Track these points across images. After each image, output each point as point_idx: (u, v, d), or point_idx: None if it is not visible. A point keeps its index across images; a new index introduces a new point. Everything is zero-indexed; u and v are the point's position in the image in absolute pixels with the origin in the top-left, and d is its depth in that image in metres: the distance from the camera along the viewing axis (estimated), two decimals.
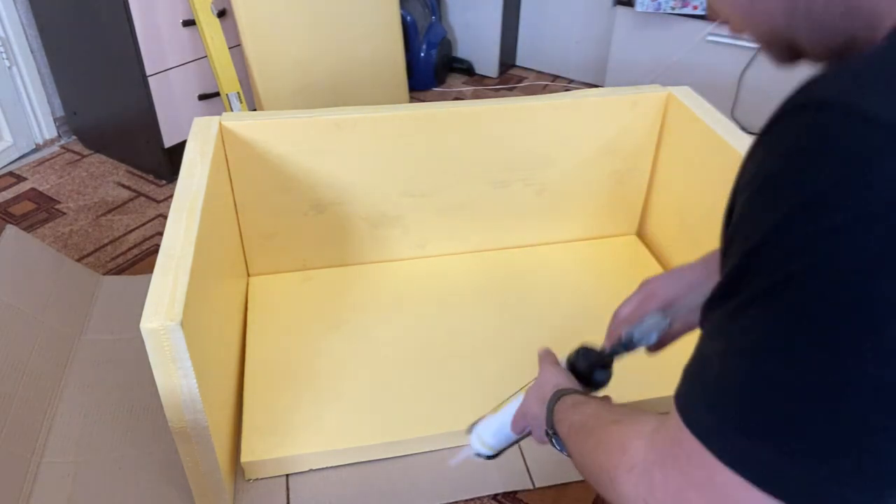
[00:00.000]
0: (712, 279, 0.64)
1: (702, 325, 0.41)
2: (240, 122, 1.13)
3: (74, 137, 1.95)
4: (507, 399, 0.83)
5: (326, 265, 1.33)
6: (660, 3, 1.98)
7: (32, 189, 1.72)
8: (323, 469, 0.99)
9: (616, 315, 0.76)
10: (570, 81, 2.43)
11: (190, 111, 1.72)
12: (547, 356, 0.77)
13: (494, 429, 0.81)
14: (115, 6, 1.51)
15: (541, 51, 2.46)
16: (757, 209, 0.35)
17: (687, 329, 0.72)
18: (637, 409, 0.52)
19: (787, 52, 0.42)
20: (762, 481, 0.35)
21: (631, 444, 0.45)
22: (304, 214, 1.25)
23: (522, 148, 1.27)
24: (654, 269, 1.36)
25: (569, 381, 0.70)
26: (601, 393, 0.73)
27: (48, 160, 1.85)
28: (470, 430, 0.84)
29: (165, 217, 0.89)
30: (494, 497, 0.97)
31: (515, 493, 0.97)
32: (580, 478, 0.98)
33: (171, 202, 0.92)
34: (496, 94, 2.34)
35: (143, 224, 1.58)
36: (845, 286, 0.32)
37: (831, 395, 0.33)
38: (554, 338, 1.17)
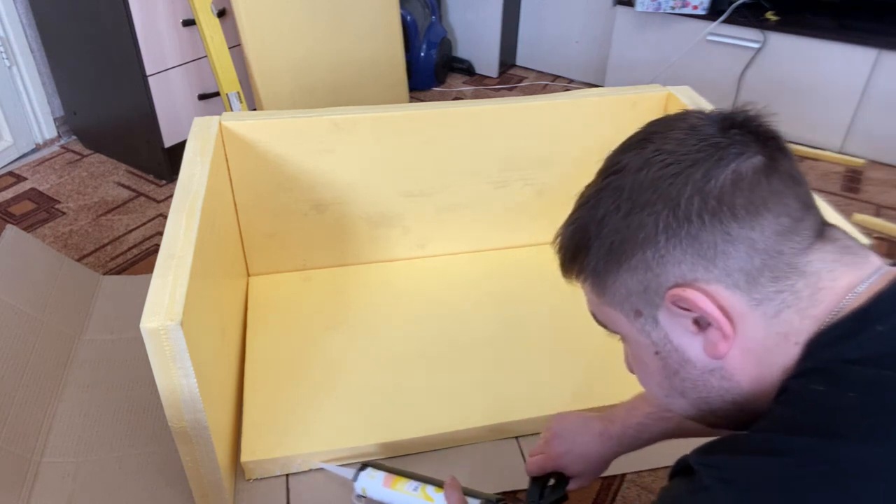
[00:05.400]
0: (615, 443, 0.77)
1: None
2: (240, 122, 1.13)
3: (74, 137, 1.95)
4: (404, 478, 0.87)
5: (326, 265, 1.33)
6: (660, 3, 1.98)
7: (32, 189, 1.72)
8: (323, 469, 0.99)
9: (531, 454, 0.84)
10: (570, 81, 2.43)
11: (190, 111, 1.72)
12: (454, 492, 0.79)
13: (380, 498, 0.88)
14: (115, 6, 1.51)
15: (541, 51, 2.46)
16: None
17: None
18: None
19: (703, 424, 0.54)
20: None
21: None
22: (304, 214, 1.25)
23: (522, 148, 1.27)
24: None
25: None
26: None
27: (48, 160, 1.85)
28: (360, 469, 0.90)
29: (165, 217, 0.89)
30: None
31: (515, 492, 0.97)
32: None
33: (171, 202, 0.92)
34: (496, 94, 2.34)
35: (143, 224, 1.58)
36: None
37: None
38: (553, 338, 1.18)
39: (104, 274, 1.40)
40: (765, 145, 0.46)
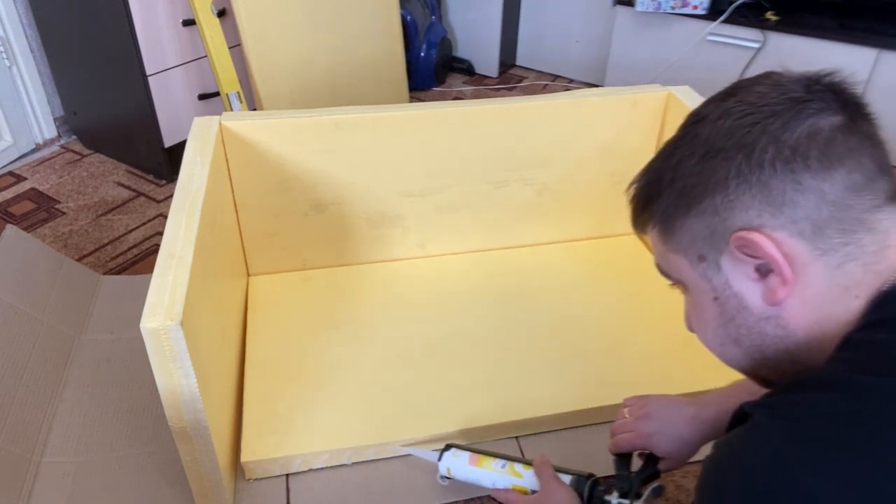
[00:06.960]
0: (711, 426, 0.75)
1: None
2: (240, 121, 1.13)
3: (74, 137, 1.95)
4: (490, 456, 0.87)
5: (326, 265, 1.33)
6: (660, 3, 1.98)
7: (32, 189, 1.72)
8: (323, 469, 0.99)
9: (615, 433, 0.82)
10: (570, 81, 2.43)
11: (190, 111, 1.72)
12: (546, 468, 0.80)
13: (466, 477, 0.88)
14: (115, 6, 1.51)
15: (541, 51, 2.46)
16: None
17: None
18: None
19: (758, 382, 0.55)
20: None
21: None
22: (304, 214, 1.25)
23: (522, 148, 1.27)
24: (655, 269, 1.36)
25: None
26: None
27: (48, 160, 1.85)
28: (445, 450, 0.90)
29: (165, 217, 0.89)
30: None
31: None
32: None
33: (171, 202, 0.92)
34: (496, 94, 2.34)
35: (143, 224, 1.59)
36: None
37: None
38: (553, 338, 1.18)
39: (104, 274, 1.40)
40: (846, 106, 0.47)
